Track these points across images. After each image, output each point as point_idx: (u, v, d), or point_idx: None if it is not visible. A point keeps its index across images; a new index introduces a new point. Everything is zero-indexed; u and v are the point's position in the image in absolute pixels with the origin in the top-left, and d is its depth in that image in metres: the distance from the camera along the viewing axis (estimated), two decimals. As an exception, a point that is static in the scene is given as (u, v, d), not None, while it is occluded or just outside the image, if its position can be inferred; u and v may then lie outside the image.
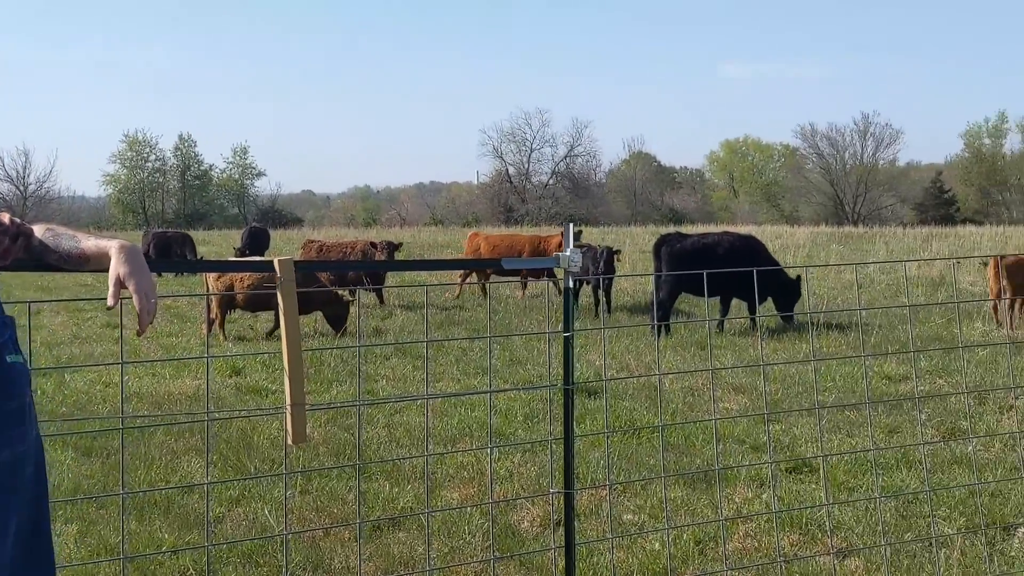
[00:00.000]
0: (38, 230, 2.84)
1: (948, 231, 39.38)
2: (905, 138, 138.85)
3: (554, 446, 8.03)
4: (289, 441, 3.40)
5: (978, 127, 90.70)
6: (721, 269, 13.69)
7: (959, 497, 6.35)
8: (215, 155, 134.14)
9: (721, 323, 14.64)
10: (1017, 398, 9.34)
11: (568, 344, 4.10)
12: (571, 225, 4.15)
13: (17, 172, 77.65)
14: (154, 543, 5.90)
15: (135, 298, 2.76)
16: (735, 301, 15.53)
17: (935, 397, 9.35)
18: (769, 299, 14.93)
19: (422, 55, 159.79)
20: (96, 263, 2.85)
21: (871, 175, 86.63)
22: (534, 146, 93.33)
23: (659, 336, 13.86)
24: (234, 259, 23.29)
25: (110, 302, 2.77)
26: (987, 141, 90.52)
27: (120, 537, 5.45)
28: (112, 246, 2.82)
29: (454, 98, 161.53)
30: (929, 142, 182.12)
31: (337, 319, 14.73)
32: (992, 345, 11.00)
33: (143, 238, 28.12)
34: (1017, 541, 5.69)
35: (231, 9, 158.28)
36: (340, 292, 15.63)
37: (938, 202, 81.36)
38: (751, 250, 15.19)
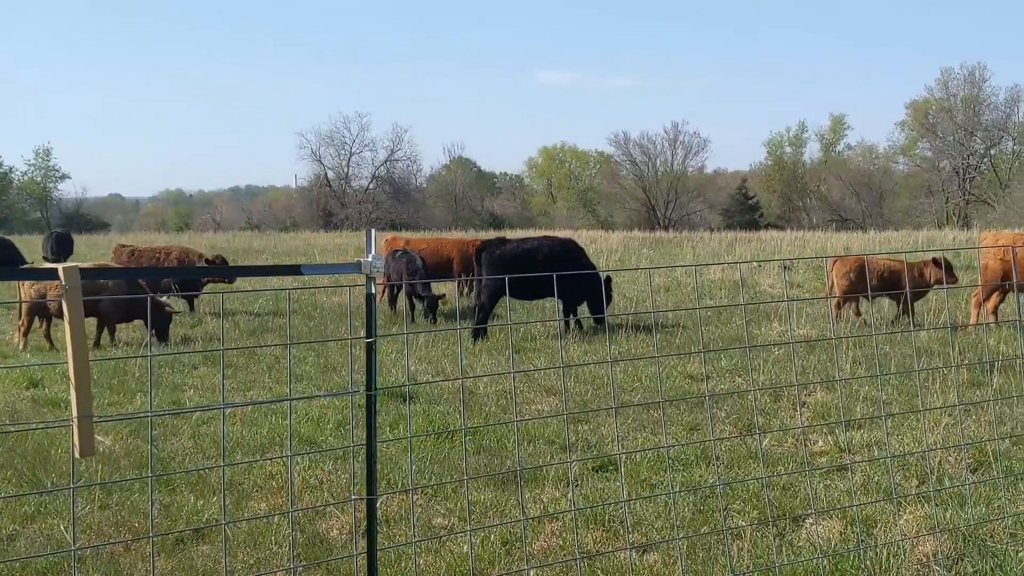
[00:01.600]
0: None
1: (752, 236, 41.15)
2: (712, 146, 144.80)
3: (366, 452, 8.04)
4: (76, 454, 3.30)
5: (780, 136, 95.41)
6: (538, 273, 13.91)
7: (752, 490, 6.67)
8: (15, 157, 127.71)
9: (567, 323, 14.87)
10: (809, 395, 9.87)
11: (370, 350, 4.11)
12: (372, 231, 4.16)
13: None
14: (-62, 566, 5.58)
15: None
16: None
17: (734, 394, 9.76)
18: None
19: (236, 55, 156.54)
20: None
21: (681, 182, 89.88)
22: (354, 150, 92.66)
23: (476, 340, 14.02)
24: (45, 267, 22.10)
25: None
26: (788, 149, 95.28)
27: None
28: None
29: (271, 100, 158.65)
30: (735, 150, 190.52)
31: (159, 328, 14.29)
32: (785, 344, 11.57)
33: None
34: (805, 531, 6.02)
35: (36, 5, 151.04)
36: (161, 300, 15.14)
37: (743, 208, 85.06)
38: (570, 254, 15.53)
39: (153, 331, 14.02)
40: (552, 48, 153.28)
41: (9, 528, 6.27)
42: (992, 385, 9.71)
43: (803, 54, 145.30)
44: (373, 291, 4.08)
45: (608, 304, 15.23)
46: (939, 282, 14.47)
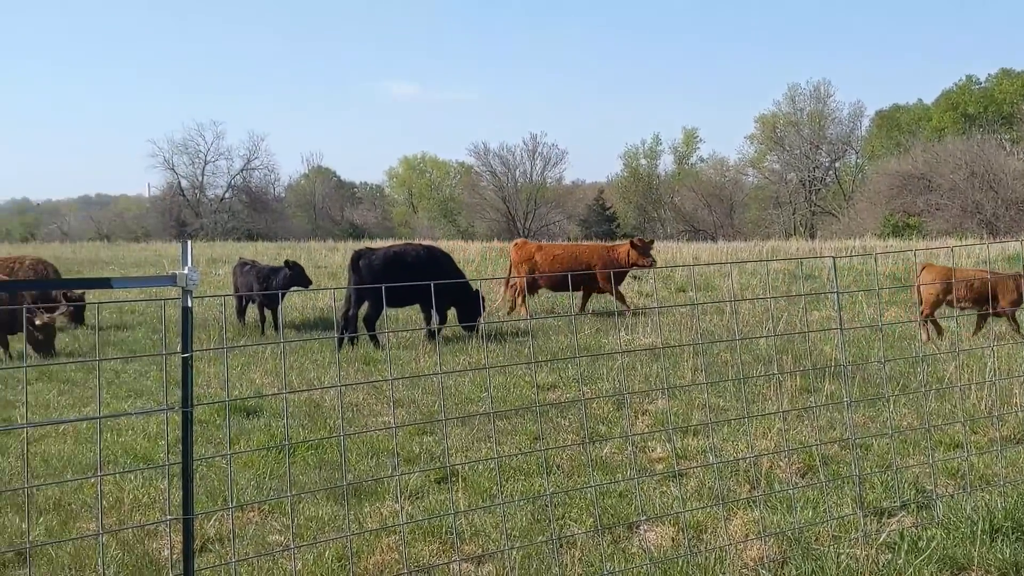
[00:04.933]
0: None
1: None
2: (570, 158, 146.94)
3: (205, 469, 7.85)
4: None
5: (635, 148, 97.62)
6: (409, 282, 13.76)
7: (590, 498, 6.74)
8: None
9: (431, 332, 14.59)
10: (651, 402, 10.05)
11: (186, 365, 4.01)
12: (189, 243, 4.05)
13: None
14: None
15: None
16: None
17: (578, 403, 9.86)
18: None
19: (83, 59, 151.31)
20: None
21: (540, 193, 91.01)
22: (208, 158, 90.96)
23: (339, 350, 13.74)
24: None
25: None
26: (644, 162, 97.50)
27: None
28: None
29: (122, 106, 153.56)
30: (592, 161, 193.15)
31: (43, 341, 14.18)
32: (631, 352, 11.79)
33: None
34: (638, 538, 6.12)
35: None
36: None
37: (600, 218, 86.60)
38: (436, 260, 15.48)
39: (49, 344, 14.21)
40: (405, 60, 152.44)
41: None
42: (824, 391, 10.09)
43: (657, 67, 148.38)
44: (189, 304, 3.98)
45: (480, 314, 15.22)
46: None
